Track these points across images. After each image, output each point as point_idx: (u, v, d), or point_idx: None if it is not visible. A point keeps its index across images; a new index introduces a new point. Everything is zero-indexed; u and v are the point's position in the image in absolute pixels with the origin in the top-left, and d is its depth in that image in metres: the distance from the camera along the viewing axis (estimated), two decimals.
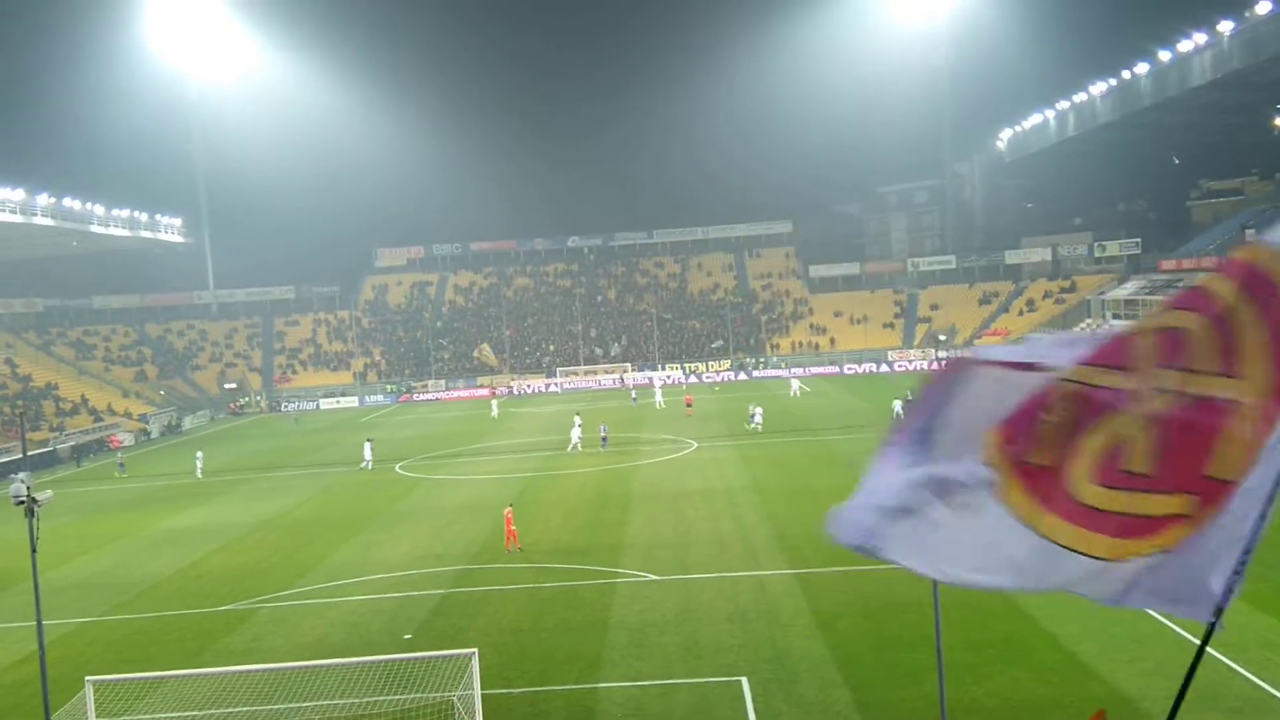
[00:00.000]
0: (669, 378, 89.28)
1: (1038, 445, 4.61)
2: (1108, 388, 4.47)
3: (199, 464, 54.74)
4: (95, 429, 73.99)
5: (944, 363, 5.40)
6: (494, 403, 77.32)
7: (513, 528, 32.71)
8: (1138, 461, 4.38)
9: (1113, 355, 4.54)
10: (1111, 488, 4.47)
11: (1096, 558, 4.55)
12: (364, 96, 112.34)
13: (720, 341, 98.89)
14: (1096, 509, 4.51)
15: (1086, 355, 4.62)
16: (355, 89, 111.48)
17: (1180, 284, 73.24)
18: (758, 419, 56.66)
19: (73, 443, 68.21)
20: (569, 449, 52.91)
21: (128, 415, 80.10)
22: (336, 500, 44.93)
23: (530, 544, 33.53)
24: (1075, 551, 4.55)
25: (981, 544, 4.74)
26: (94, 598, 30.89)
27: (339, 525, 39.00)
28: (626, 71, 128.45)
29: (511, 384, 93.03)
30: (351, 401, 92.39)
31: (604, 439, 53.69)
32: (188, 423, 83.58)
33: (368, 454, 53.45)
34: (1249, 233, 73.14)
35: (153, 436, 77.58)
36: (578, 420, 55.52)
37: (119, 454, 63.73)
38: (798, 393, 72.89)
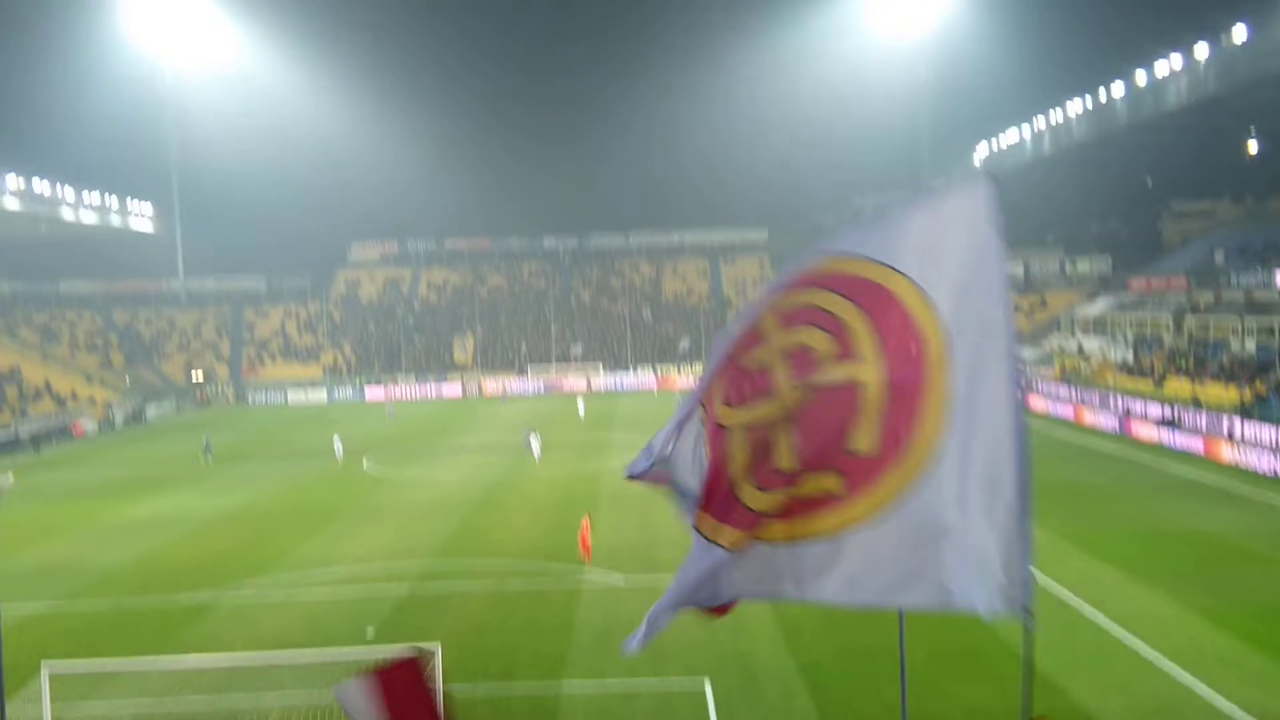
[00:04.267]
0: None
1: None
2: (751, 425, 5.33)
3: (338, 449, 53.94)
4: (58, 415, 73.05)
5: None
6: (580, 400, 75.45)
7: (589, 539, 30.57)
8: (785, 459, 5.09)
9: (743, 384, 5.40)
10: (767, 489, 5.16)
11: (772, 542, 5.30)
12: (343, 89, 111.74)
13: (687, 341, 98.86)
14: (763, 512, 5.25)
15: (724, 388, 5.55)
16: (334, 81, 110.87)
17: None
18: None
19: (34, 429, 67.25)
20: (535, 458, 50.83)
21: (91, 402, 79.13)
22: (303, 494, 44.56)
23: (495, 542, 33.41)
24: (758, 541, 5.35)
25: (693, 577, 6.22)
26: (52, 584, 30.46)
27: (304, 519, 38.68)
28: (608, 73, 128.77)
29: (483, 382, 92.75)
30: (320, 395, 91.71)
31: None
32: (152, 411, 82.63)
33: (338, 448, 53.26)
34: (1218, 254, 74.04)
35: (117, 425, 76.65)
36: (536, 435, 52.76)
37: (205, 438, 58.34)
38: None
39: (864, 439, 4.93)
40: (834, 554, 5.16)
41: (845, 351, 5.04)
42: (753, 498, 5.31)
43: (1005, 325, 5.03)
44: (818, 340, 5.14)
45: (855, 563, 5.12)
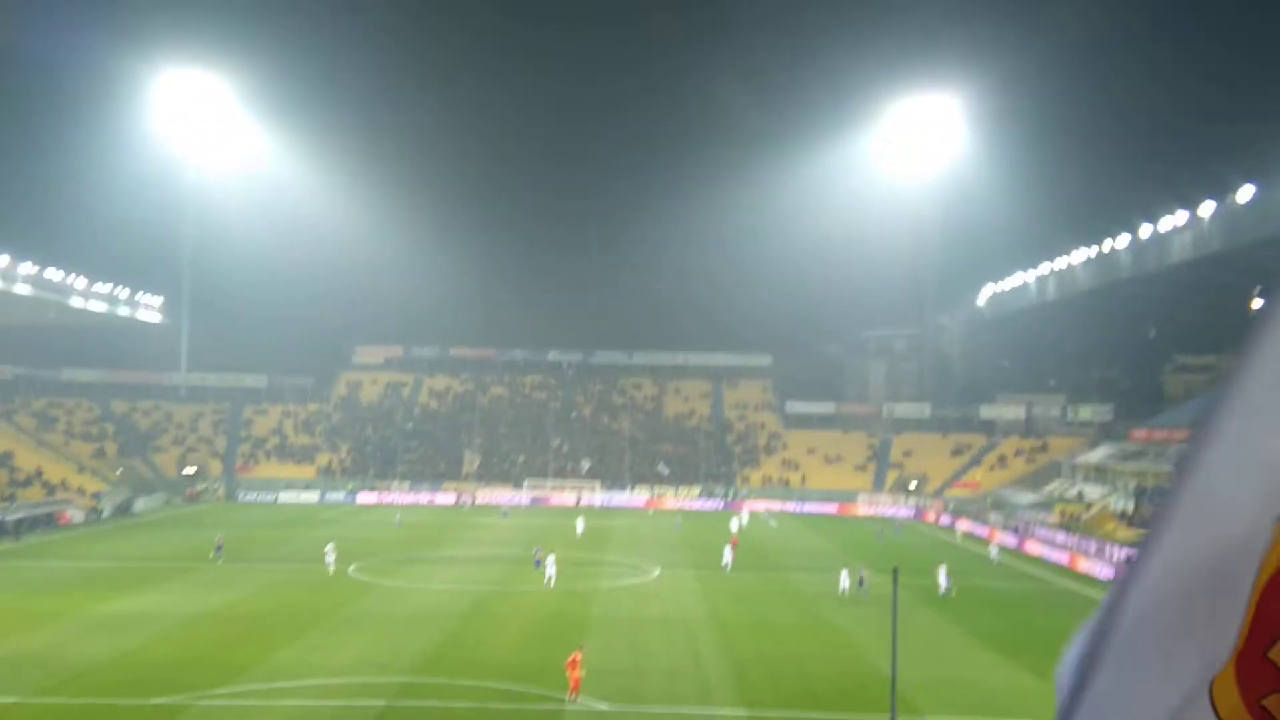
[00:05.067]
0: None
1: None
2: None
3: (330, 557, 49.95)
4: (46, 503, 72.08)
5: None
6: (580, 518, 70.52)
7: (579, 673, 28.06)
8: None
9: None
10: None
11: None
12: (358, 195, 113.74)
13: (666, 469, 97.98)
14: None
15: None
16: (350, 187, 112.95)
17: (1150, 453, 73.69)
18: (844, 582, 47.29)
19: (20, 515, 66.21)
20: (545, 582, 46.63)
21: (81, 491, 78.21)
22: (285, 598, 43.53)
23: (477, 660, 32.44)
24: None
25: None
26: (22, 678, 29.45)
27: (284, 624, 37.67)
28: (622, 193, 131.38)
29: (476, 494, 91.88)
30: (312, 496, 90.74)
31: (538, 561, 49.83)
32: (141, 505, 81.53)
33: (330, 557, 49.94)
34: None
35: (104, 516, 75.53)
36: (551, 558, 48.29)
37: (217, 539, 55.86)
38: (744, 525, 70.35)
39: None
40: None
41: None
42: None
43: None
44: None
45: None
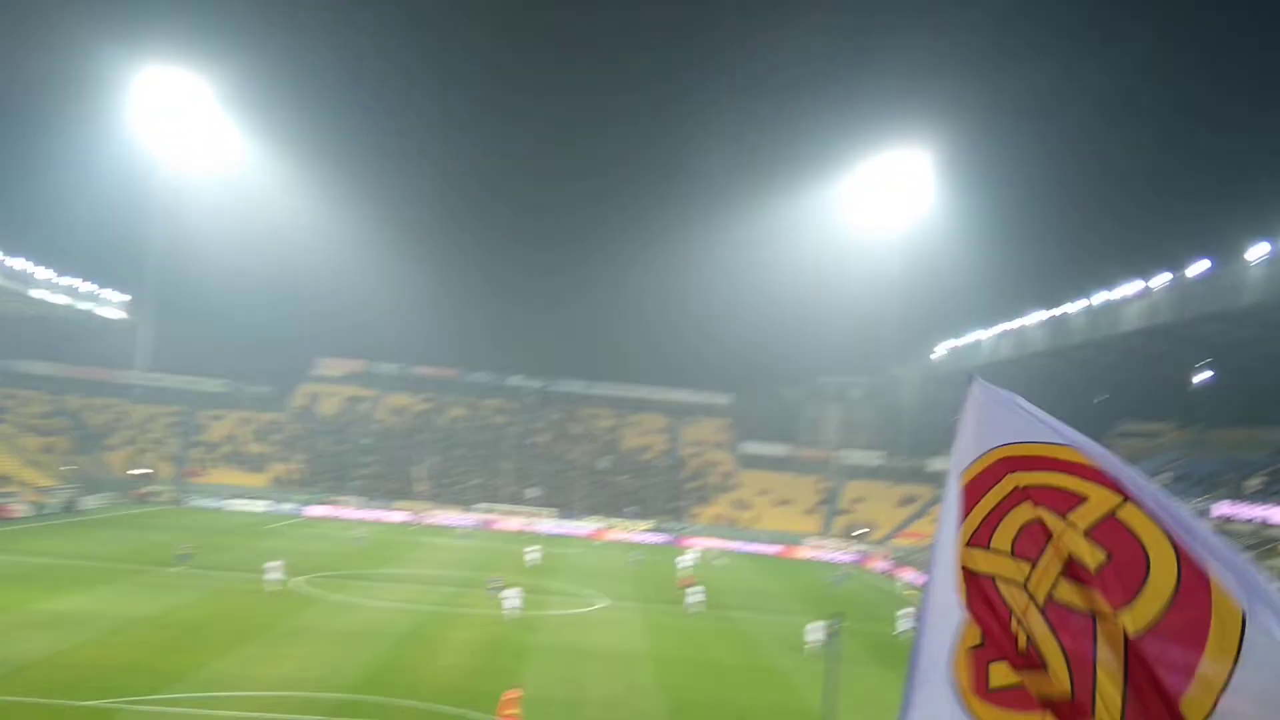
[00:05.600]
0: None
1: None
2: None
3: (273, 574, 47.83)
4: None
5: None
6: (537, 548, 67.52)
7: (516, 711, 26.84)
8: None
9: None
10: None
11: None
12: (332, 205, 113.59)
13: (635, 507, 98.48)
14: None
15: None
16: (324, 197, 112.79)
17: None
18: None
19: None
20: (506, 613, 44.73)
21: (28, 485, 77.45)
22: (226, 606, 43.55)
23: (415, 682, 32.75)
24: None
25: None
26: None
27: (222, 633, 37.76)
28: (593, 225, 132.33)
29: (429, 513, 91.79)
30: (260, 506, 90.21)
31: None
32: (88, 503, 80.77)
33: (274, 571, 47.93)
34: (1161, 478, 75.58)
35: (49, 512, 74.80)
36: (516, 591, 46.22)
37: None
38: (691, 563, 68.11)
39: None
40: None
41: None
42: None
43: None
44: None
45: None
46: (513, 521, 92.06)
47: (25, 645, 33.44)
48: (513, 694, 27.70)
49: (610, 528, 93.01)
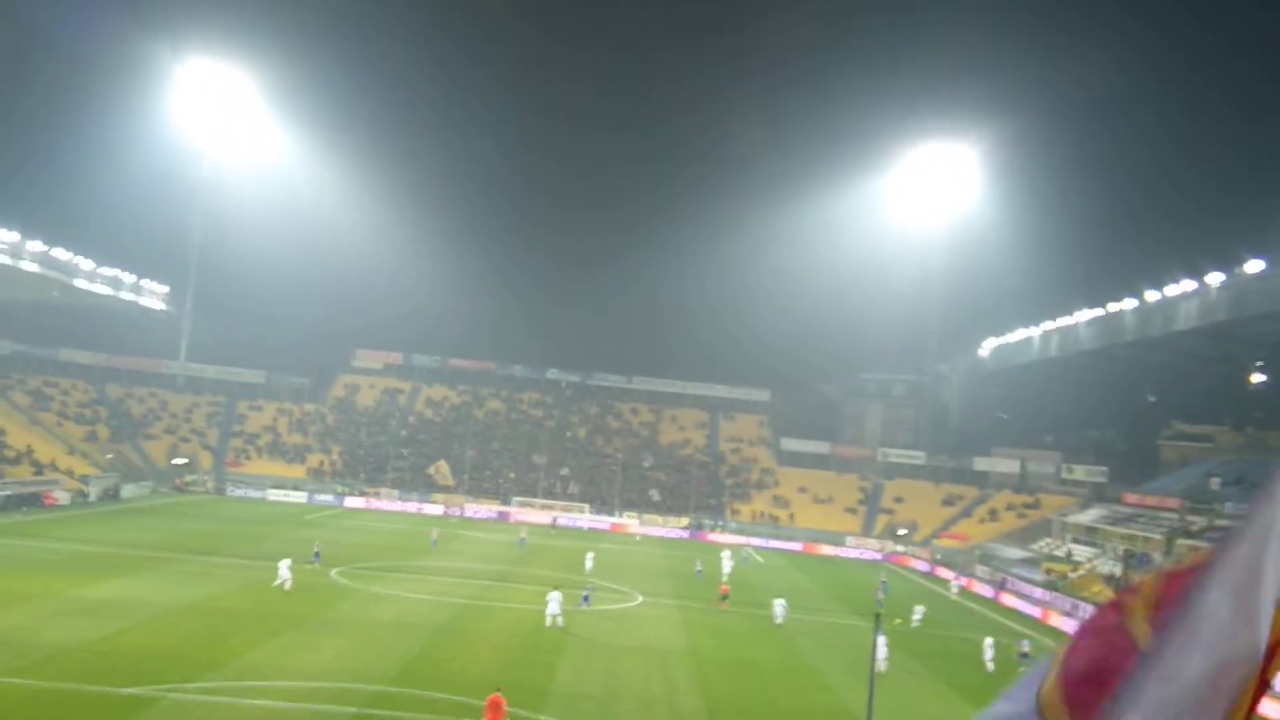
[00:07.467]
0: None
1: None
2: None
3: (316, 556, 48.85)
4: (32, 481, 71.82)
5: None
6: (590, 555, 60.95)
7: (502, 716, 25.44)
8: None
9: None
10: None
11: None
12: (372, 200, 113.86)
13: (670, 502, 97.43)
14: None
15: None
16: (363, 190, 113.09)
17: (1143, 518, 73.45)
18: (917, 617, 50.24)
19: (6, 493, 65.97)
20: (548, 623, 40.88)
21: (69, 473, 77.93)
22: (264, 596, 43.26)
23: (453, 674, 32.18)
24: None
25: None
26: None
27: (261, 623, 37.43)
28: (634, 218, 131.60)
29: (464, 506, 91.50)
30: (300, 497, 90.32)
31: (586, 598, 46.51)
32: (128, 491, 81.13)
33: (284, 573, 44.81)
34: (1215, 480, 73.76)
35: (90, 500, 75.23)
36: (556, 594, 41.91)
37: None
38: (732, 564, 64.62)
39: None
40: None
41: None
42: None
43: None
44: None
45: None
46: (529, 515, 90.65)
47: (64, 631, 33.24)
48: (497, 697, 25.82)
49: (621, 521, 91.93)
